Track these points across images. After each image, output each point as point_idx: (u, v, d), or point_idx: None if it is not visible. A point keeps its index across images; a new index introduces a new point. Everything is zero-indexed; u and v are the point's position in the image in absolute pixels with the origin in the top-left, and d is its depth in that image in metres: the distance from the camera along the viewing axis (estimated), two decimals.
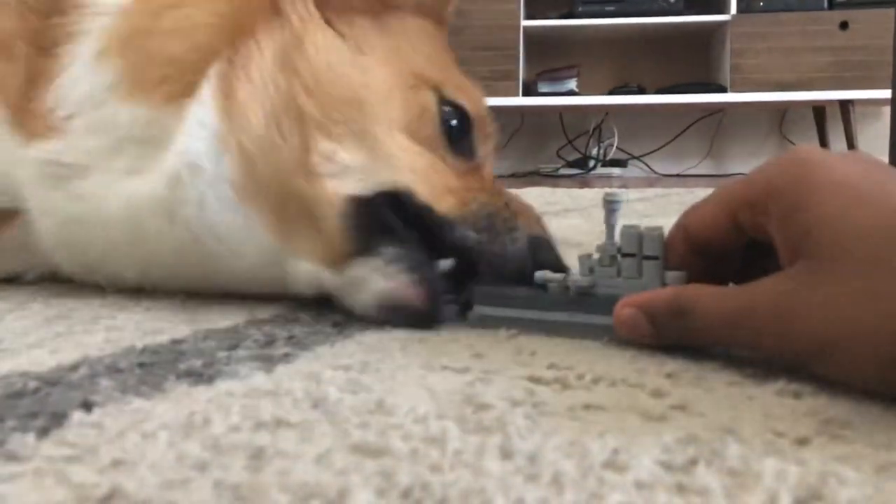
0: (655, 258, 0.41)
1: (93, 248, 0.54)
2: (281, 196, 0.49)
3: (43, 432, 0.29)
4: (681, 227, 0.42)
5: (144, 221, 0.51)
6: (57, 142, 0.52)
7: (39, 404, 0.32)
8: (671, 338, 0.39)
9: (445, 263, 0.48)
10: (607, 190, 0.44)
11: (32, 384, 0.34)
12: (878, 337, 0.31)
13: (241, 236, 0.50)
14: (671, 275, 0.41)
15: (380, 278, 0.46)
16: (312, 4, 0.53)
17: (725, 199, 0.39)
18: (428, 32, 0.57)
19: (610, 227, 0.43)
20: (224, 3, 0.53)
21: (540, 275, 0.45)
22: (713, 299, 0.37)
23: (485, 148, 0.55)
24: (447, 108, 0.53)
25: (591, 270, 0.43)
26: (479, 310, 0.47)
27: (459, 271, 0.48)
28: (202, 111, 0.50)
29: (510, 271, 0.48)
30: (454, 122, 0.53)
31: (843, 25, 2.81)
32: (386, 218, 0.48)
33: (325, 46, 0.51)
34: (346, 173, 0.49)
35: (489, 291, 0.46)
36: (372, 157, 0.49)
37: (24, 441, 0.28)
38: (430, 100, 0.53)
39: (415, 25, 0.56)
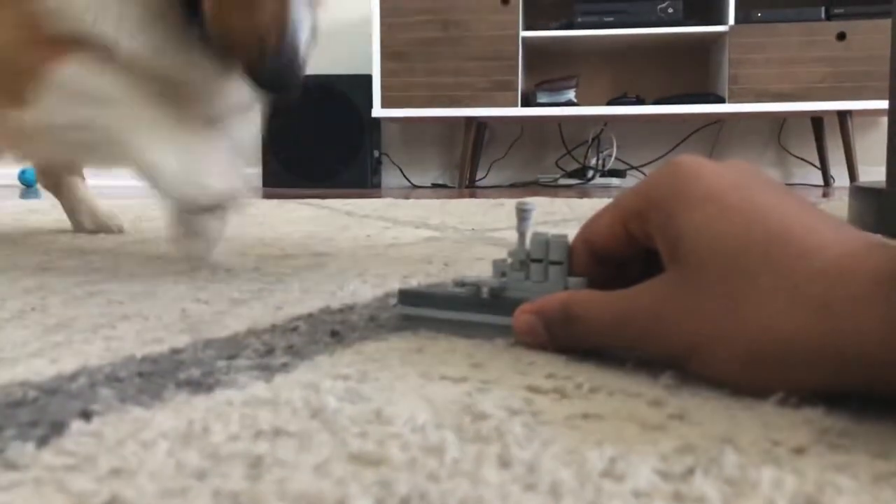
0: (560, 263, 0.44)
1: None
2: None
3: (42, 441, 0.29)
4: (581, 236, 0.44)
5: None
6: None
7: (39, 413, 0.32)
8: (564, 342, 0.41)
9: None
10: (519, 200, 0.46)
11: (32, 393, 0.35)
12: (735, 340, 0.34)
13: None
14: (573, 280, 0.43)
15: None
16: None
17: (618, 209, 0.41)
18: None
19: (521, 234, 0.45)
20: None
21: (458, 278, 0.48)
22: (598, 305, 0.40)
23: None
24: None
25: (504, 274, 0.46)
26: (402, 309, 0.49)
27: None
28: None
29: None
30: None
31: (841, 36, 2.82)
32: None
33: None
34: None
35: (412, 292, 0.49)
36: None
37: (24, 450, 0.28)
38: None
39: None
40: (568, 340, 0.41)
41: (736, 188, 0.37)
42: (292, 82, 0.59)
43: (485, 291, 0.46)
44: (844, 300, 0.31)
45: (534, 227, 0.46)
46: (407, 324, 0.49)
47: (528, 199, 0.47)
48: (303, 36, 0.59)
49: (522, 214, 0.45)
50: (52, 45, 0.59)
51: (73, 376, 0.37)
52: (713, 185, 0.37)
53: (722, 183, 0.37)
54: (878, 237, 0.35)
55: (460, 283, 0.47)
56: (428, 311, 0.48)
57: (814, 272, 0.32)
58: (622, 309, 0.38)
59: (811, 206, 0.37)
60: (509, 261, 0.46)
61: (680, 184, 0.38)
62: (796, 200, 0.37)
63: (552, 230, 0.48)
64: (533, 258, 0.45)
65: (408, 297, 0.49)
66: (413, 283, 0.65)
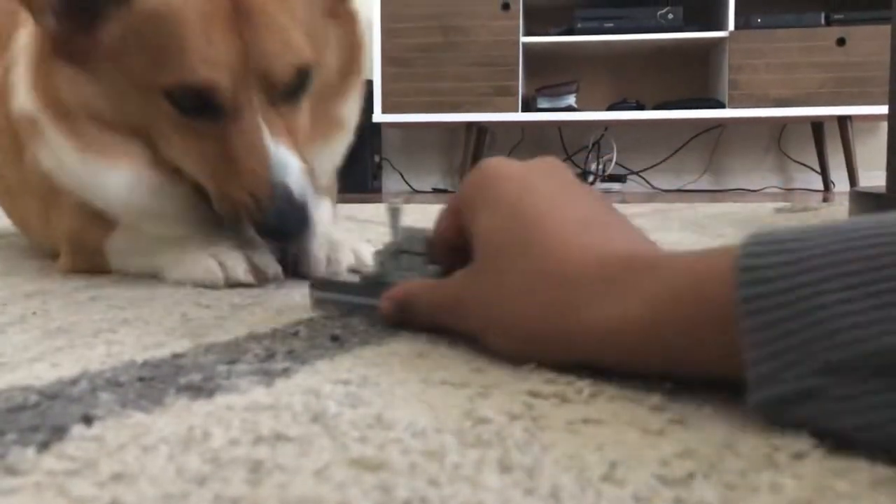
0: (422, 255, 0.50)
1: None
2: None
3: (43, 446, 0.29)
4: (434, 229, 0.49)
5: None
6: None
7: (40, 418, 0.32)
8: (412, 322, 0.48)
9: None
10: (390, 200, 0.51)
11: (33, 398, 0.35)
12: (509, 323, 0.40)
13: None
14: (430, 268, 0.50)
15: None
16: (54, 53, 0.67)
17: (450, 206, 0.48)
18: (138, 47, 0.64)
19: (393, 229, 0.52)
20: None
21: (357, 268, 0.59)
22: (424, 292, 0.47)
23: (234, 96, 0.63)
24: (180, 98, 0.63)
25: (382, 264, 0.52)
26: (314, 293, 0.57)
27: None
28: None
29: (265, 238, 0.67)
30: (192, 101, 0.63)
31: (841, 42, 2.82)
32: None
33: (82, 82, 0.67)
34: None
35: (321, 280, 0.59)
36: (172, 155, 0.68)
37: (25, 455, 0.28)
38: (160, 102, 0.64)
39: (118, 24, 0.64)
40: (412, 320, 0.48)
41: (516, 191, 0.42)
42: (299, 225, 0.64)
43: (369, 279, 0.53)
44: (564, 301, 0.37)
45: (409, 223, 0.52)
46: (400, 327, 0.51)
47: (396, 199, 0.52)
48: (292, 179, 0.64)
49: (393, 212, 0.52)
50: (102, 222, 0.74)
51: (74, 381, 0.38)
52: (500, 187, 0.43)
53: (507, 185, 0.43)
54: (643, 244, 0.41)
55: (353, 272, 0.56)
56: (331, 294, 0.56)
57: (545, 273, 0.38)
58: (439, 294, 0.46)
59: (595, 209, 0.42)
60: (385, 252, 0.52)
61: (481, 185, 0.44)
62: (576, 202, 0.42)
63: None
64: (402, 250, 0.51)
65: (317, 283, 0.58)
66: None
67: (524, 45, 2.95)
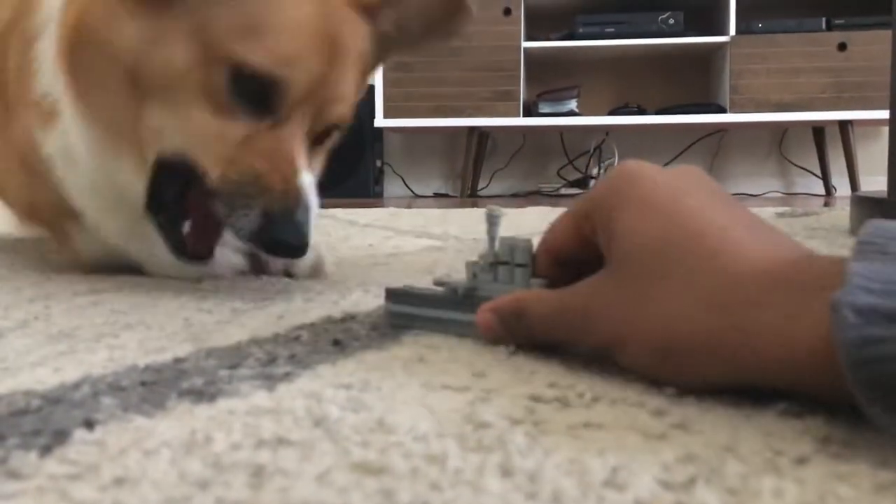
0: (524, 266, 0.47)
1: None
2: (131, 153, 0.66)
3: (45, 450, 0.29)
4: (543, 240, 0.47)
5: None
6: None
7: (42, 422, 0.32)
8: (518, 337, 0.44)
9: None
10: (489, 207, 0.49)
11: (35, 402, 0.35)
12: (648, 335, 0.36)
13: (126, 173, 0.68)
14: (534, 281, 0.46)
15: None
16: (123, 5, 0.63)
17: (571, 213, 0.45)
18: (236, 5, 0.62)
19: (491, 239, 0.49)
20: None
21: (438, 278, 0.51)
22: (542, 302, 0.43)
23: (291, 106, 0.62)
24: (245, 77, 0.60)
25: (475, 275, 0.49)
26: (388, 306, 0.53)
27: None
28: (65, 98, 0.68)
29: (246, 241, 0.62)
30: (252, 87, 0.61)
31: (842, 46, 2.83)
32: (162, 184, 0.64)
33: (128, 35, 0.63)
34: (159, 136, 0.63)
35: (398, 291, 0.53)
36: (176, 125, 0.62)
37: (27, 459, 0.28)
38: (220, 73, 0.61)
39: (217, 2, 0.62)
40: (520, 335, 0.44)
41: (669, 192, 0.39)
42: (299, 245, 0.61)
43: (459, 291, 0.49)
44: (741, 302, 0.33)
45: (505, 232, 0.49)
46: (404, 328, 0.51)
47: (496, 207, 0.50)
48: (312, 199, 0.63)
49: (492, 220, 0.48)
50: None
51: (76, 385, 0.38)
52: (647, 188, 0.39)
53: (656, 187, 0.39)
54: (801, 249, 0.37)
55: (439, 284, 0.51)
56: (410, 308, 0.52)
57: (717, 272, 0.35)
58: (560, 304, 0.42)
59: (747, 215, 0.39)
60: (480, 263, 0.49)
61: (619, 187, 0.40)
62: (730, 207, 0.39)
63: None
64: (500, 261, 0.48)
65: (394, 295, 0.53)
66: None
67: (525, 50, 2.96)
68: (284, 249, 0.62)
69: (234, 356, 0.44)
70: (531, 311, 0.43)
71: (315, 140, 0.67)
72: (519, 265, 0.47)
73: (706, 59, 3.17)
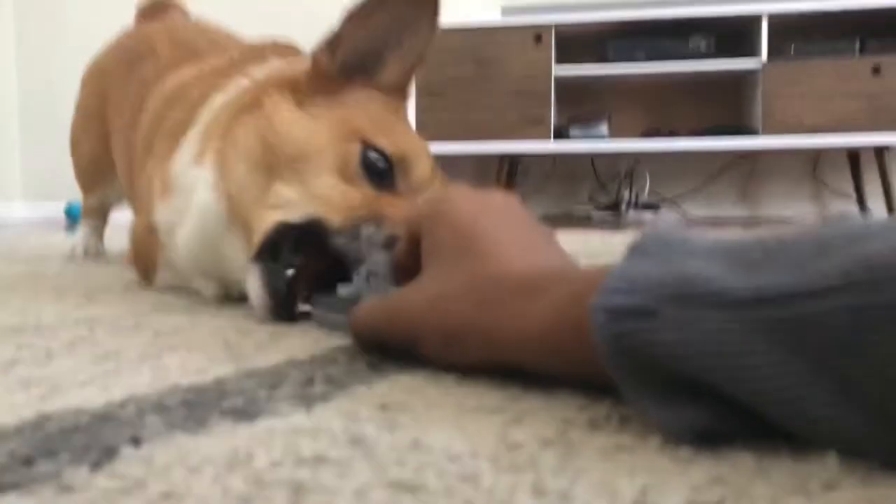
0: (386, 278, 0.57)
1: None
2: (250, 221, 0.70)
3: (95, 465, 0.30)
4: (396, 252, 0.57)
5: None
6: None
7: (92, 439, 0.33)
8: (359, 340, 0.52)
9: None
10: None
11: (84, 420, 0.36)
12: (436, 326, 0.44)
13: (233, 246, 0.73)
14: (391, 291, 0.53)
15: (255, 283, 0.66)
16: (284, 93, 0.74)
17: (408, 231, 0.54)
18: (376, 100, 0.77)
19: (367, 252, 0.62)
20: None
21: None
22: (369, 309, 0.51)
23: (408, 181, 0.73)
24: (372, 154, 0.71)
25: (357, 286, 0.59)
26: (315, 312, 0.62)
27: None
28: (205, 173, 0.74)
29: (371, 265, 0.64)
30: (379, 163, 0.71)
31: (876, 71, 2.80)
32: (283, 238, 0.66)
33: (287, 119, 0.72)
34: (284, 205, 0.68)
35: (324, 299, 0.62)
36: (302, 193, 0.68)
37: (78, 474, 0.29)
38: (355, 148, 0.70)
39: (363, 96, 0.76)
40: (357, 338, 0.52)
41: (477, 213, 0.48)
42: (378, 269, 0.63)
43: (344, 298, 0.59)
44: (495, 299, 0.42)
45: None
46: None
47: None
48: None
49: (366, 238, 0.61)
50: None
51: (123, 404, 0.39)
52: (457, 213, 0.49)
53: (464, 210, 0.49)
54: (568, 266, 0.46)
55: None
56: (321, 312, 0.62)
57: (481, 276, 0.44)
58: (378, 309, 0.50)
59: (535, 238, 0.49)
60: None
61: (441, 207, 0.50)
62: (520, 230, 0.48)
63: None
64: (370, 272, 0.58)
65: (318, 303, 0.63)
66: None
67: (556, 76, 2.98)
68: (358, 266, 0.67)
69: (273, 377, 0.45)
70: (364, 317, 0.51)
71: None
72: (384, 277, 0.59)
73: (738, 84, 3.16)
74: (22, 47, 3.72)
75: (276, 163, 0.70)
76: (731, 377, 0.30)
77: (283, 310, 0.64)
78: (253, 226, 0.69)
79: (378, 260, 0.56)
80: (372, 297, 0.54)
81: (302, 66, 0.78)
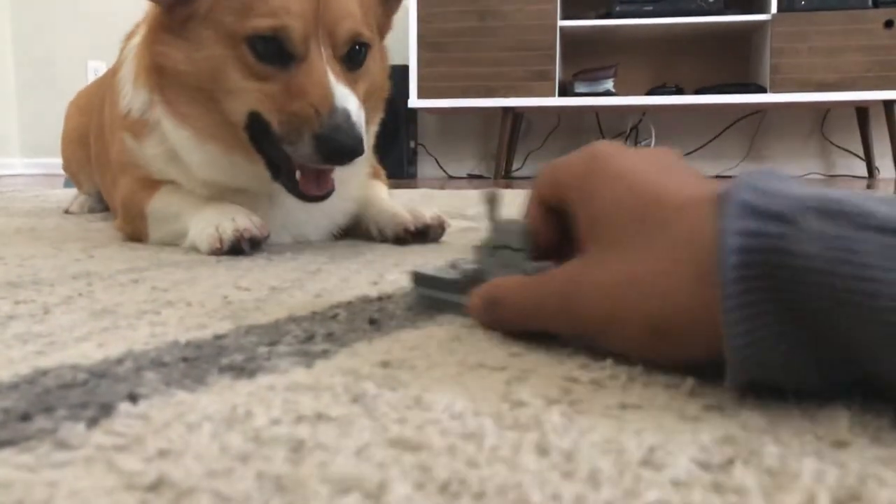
0: (521, 250, 0.46)
1: None
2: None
3: (92, 422, 0.30)
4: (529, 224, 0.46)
5: None
6: None
7: (88, 395, 0.33)
8: (496, 323, 0.44)
9: None
10: (487, 190, 0.48)
11: (81, 376, 0.36)
12: (637, 314, 0.35)
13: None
14: (530, 266, 0.46)
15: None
16: (161, 25, 0.82)
17: (539, 193, 0.45)
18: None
19: (491, 221, 0.49)
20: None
21: (452, 262, 0.53)
22: (515, 290, 0.42)
23: (303, 44, 0.77)
24: (258, 44, 0.77)
25: (481, 260, 0.49)
26: (418, 289, 0.54)
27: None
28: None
29: (312, 163, 0.76)
30: (268, 47, 0.77)
31: (889, 24, 2.75)
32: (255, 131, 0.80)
33: (177, 48, 0.82)
34: (238, 118, 0.80)
35: (420, 275, 0.54)
36: (239, 103, 0.79)
37: (75, 430, 0.29)
38: (243, 49, 0.77)
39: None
40: (497, 321, 0.44)
41: (644, 168, 0.39)
42: (353, 143, 0.73)
43: (466, 275, 0.50)
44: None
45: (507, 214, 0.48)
46: (433, 309, 0.52)
47: (495, 189, 0.50)
48: (351, 105, 0.75)
49: (490, 202, 0.49)
50: (149, 189, 0.91)
51: (120, 360, 0.39)
52: (623, 166, 0.39)
53: (630, 164, 0.39)
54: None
55: (453, 267, 0.53)
56: (431, 291, 0.52)
57: (700, 248, 0.33)
58: (536, 293, 0.41)
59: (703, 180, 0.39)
60: (482, 247, 0.49)
61: (595, 166, 0.40)
62: (700, 182, 0.38)
63: None
64: (501, 245, 0.47)
65: (417, 279, 0.54)
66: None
67: (562, 29, 2.93)
68: (341, 153, 0.74)
69: (272, 333, 0.44)
70: (505, 299, 0.43)
71: (349, 62, 0.80)
72: (516, 249, 0.47)
73: (746, 38, 3.11)
74: (17, 4, 3.67)
75: (202, 87, 0.82)
76: (873, 307, 0.27)
77: (312, 198, 0.79)
78: (226, 142, 0.82)
79: (510, 229, 0.47)
80: (502, 273, 0.46)
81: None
